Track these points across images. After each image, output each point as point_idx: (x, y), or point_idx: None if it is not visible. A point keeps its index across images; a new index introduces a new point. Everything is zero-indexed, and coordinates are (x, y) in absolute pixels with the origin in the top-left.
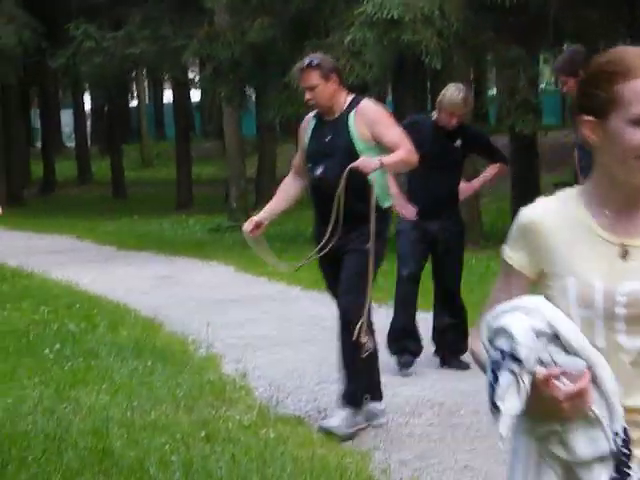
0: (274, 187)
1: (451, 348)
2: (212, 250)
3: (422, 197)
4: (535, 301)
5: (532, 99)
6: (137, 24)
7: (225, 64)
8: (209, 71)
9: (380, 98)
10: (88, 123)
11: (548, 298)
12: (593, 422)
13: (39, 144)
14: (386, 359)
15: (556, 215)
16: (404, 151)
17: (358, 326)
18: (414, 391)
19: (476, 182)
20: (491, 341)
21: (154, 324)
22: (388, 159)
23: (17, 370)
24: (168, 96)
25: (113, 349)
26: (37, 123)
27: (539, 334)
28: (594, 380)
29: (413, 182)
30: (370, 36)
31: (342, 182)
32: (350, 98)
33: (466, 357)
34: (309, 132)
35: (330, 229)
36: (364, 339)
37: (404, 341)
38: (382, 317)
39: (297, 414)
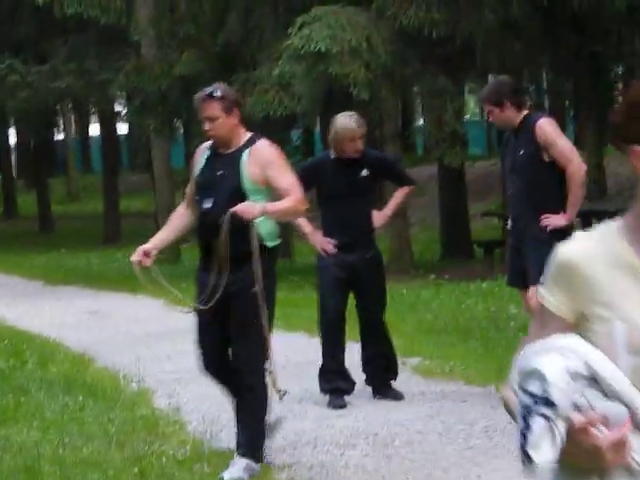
0: None
1: (380, 378)
2: (139, 283)
3: (337, 231)
4: (570, 340)
5: (459, 130)
6: (62, 58)
7: (153, 97)
8: (137, 104)
9: (308, 130)
10: (13, 157)
11: (591, 344)
12: (635, 473)
13: None
14: (314, 387)
15: (596, 252)
16: (292, 200)
17: (268, 374)
18: (348, 422)
19: (388, 210)
20: (522, 385)
21: (84, 359)
22: (272, 207)
23: None
24: (94, 129)
25: (43, 385)
26: None
27: (575, 376)
28: (637, 426)
29: (326, 217)
30: (298, 69)
31: (224, 227)
32: (248, 135)
33: (397, 385)
34: (202, 162)
35: (214, 280)
36: (277, 386)
37: (335, 381)
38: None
39: (232, 448)
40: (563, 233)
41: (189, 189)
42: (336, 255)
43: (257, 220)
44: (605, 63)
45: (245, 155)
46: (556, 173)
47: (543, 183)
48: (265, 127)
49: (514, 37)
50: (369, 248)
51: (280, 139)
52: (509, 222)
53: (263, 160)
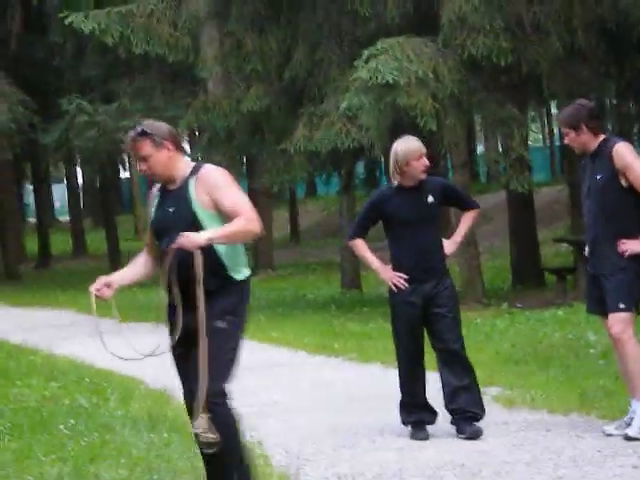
0: (271, 252)
1: (464, 413)
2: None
3: (408, 261)
4: None
5: (526, 156)
6: (129, 96)
7: (221, 133)
8: (205, 140)
9: (373, 162)
10: (81, 195)
11: None
12: None
13: (30, 219)
14: (395, 418)
15: None
16: (242, 220)
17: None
18: (432, 453)
19: (457, 236)
20: None
21: (164, 395)
22: (218, 232)
23: (33, 447)
24: None
25: (127, 422)
26: (27, 198)
27: None
28: None
29: (396, 248)
30: (366, 101)
31: (196, 263)
32: (192, 165)
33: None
34: (155, 204)
35: (180, 319)
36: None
37: (417, 413)
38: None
39: None
40: None
41: (147, 237)
42: (409, 288)
43: (221, 251)
44: None
45: (191, 185)
46: (634, 198)
47: (620, 208)
48: (332, 160)
49: (580, 63)
50: (442, 277)
51: (347, 172)
52: (586, 248)
53: (209, 185)
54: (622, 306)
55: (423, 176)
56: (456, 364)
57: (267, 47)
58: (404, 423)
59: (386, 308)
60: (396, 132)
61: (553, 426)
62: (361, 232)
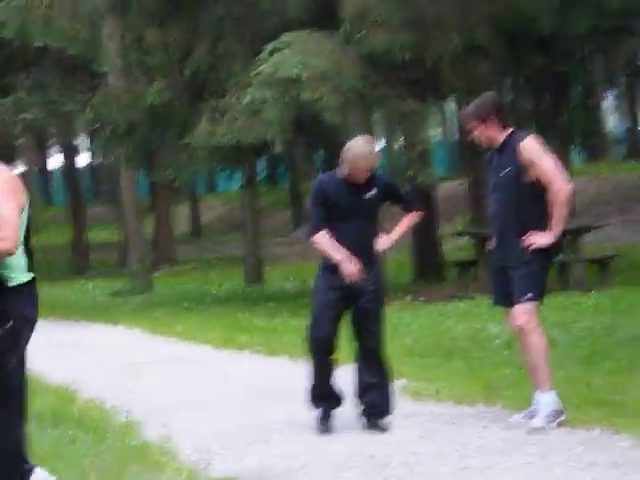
0: (172, 247)
1: (373, 410)
2: (117, 314)
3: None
4: None
5: (429, 150)
6: (26, 90)
7: (122, 127)
8: (107, 135)
9: (273, 159)
10: None
11: None
12: None
13: None
14: (303, 411)
15: None
16: None
17: None
18: (341, 446)
19: (394, 234)
20: None
21: (68, 392)
22: None
23: None
24: (52, 162)
25: (31, 419)
26: None
27: None
28: None
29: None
30: (269, 95)
31: None
32: None
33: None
34: None
35: None
36: None
37: (322, 403)
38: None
39: (226, 475)
40: (546, 252)
41: None
42: (336, 278)
43: None
44: (568, 83)
45: None
46: (540, 192)
47: (527, 202)
48: (235, 155)
49: (479, 59)
50: (372, 271)
51: (250, 167)
52: (492, 241)
53: None
54: (527, 297)
55: (361, 182)
56: (371, 361)
57: (168, 41)
58: (314, 406)
59: (291, 303)
60: (299, 127)
61: (459, 417)
62: (320, 225)
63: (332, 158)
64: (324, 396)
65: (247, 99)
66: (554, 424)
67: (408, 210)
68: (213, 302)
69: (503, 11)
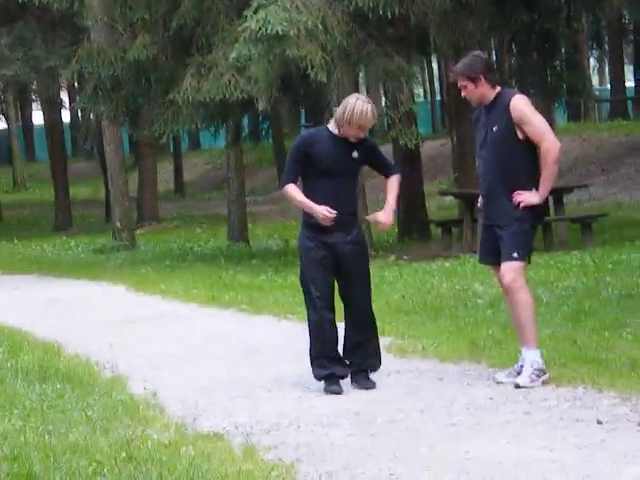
0: (156, 205)
1: (360, 366)
2: (100, 270)
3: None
4: None
5: (414, 110)
6: (8, 45)
7: (106, 82)
8: (90, 90)
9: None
10: None
11: None
12: None
13: None
14: (296, 370)
15: None
16: None
17: None
18: (328, 402)
19: (390, 205)
20: None
21: (54, 347)
22: None
23: None
24: (36, 118)
25: (17, 374)
26: None
27: None
28: None
29: (311, 196)
30: (255, 52)
31: None
32: None
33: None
34: None
35: None
36: None
37: (330, 367)
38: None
39: (215, 430)
40: (536, 210)
41: None
42: (319, 237)
43: None
44: (554, 41)
45: None
46: (530, 150)
47: (516, 160)
48: (220, 112)
49: (466, 17)
50: (353, 231)
51: (235, 124)
52: (479, 200)
53: None
54: (515, 255)
55: (352, 140)
56: (360, 318)
57: None
58: (316, 377)
59: (275, 260)
60: (285, 84)
61: (445, 374)
62: (294, 178)
63: (316, 116)
64: (329, 359)
65: (233, 55)
66: (539, 382)
67: (388, 175)
68: (197, 260)
69: None
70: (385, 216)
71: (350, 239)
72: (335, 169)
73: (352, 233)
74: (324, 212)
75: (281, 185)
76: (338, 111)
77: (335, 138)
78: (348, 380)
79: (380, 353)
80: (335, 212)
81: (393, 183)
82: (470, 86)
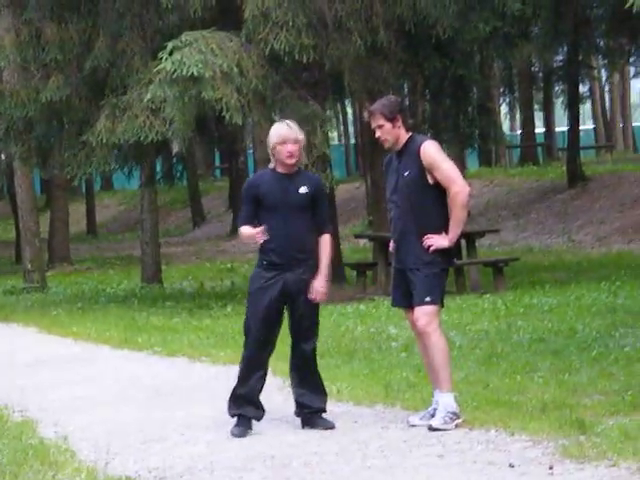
0: (67, 246)
1: (311, 408)
2: (10, 312)
3: (274, 249)
4: None
5: (328, 154)
6: None
7: (19, 123)
8: (2, 131)
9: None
10: None
11: None
12: None
13: None
14: (209, 413)
15: None
16: None
17: None
18: (242, 446)
19: (322, 271)
20: None
21: None
22: None
23: None
24: None
25: None
26: None
27: None
28: None
29: (268, 234)
30: (170, 93)
31: None
32: None
33: (284, 406)
34: None
35: None
36: None
37: (244, 407)
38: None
39: (127, 475)
40: (446, 254)
41: None
42: (271, 275)
43: None
44: (466, 86)
45: None
46: (440, 195)
47: (427, 204)
48: (135, 153)
49: (379, 62)
50: (307, 270)
51: (150, 165)
52: (391, 243)
53: None
54: (428, 299)
55: (288, 161)
56: (305, 364)
57: (67, 36)
58: (230, 415)
59: (189, 302)
60: (200, 125)
61: (359, 417)
62: (246, 222)
63: (231, 158)
64: (246, 401)
65: (148, 97)
66: (452, 425)
67: (321, 231)
68: (110, 302)
69: (404, 13)
70: (317, 283)
71: (304, 280)
72: (283, 205)
73: (306, 273)
74: (255, 232)
75: (238, 229)
76: (269, 143)
77: (279, 175)
78: (260, 423)
79: (325, 393)
80: (263, 228)
81: (326, 244)
82: (387, 126)
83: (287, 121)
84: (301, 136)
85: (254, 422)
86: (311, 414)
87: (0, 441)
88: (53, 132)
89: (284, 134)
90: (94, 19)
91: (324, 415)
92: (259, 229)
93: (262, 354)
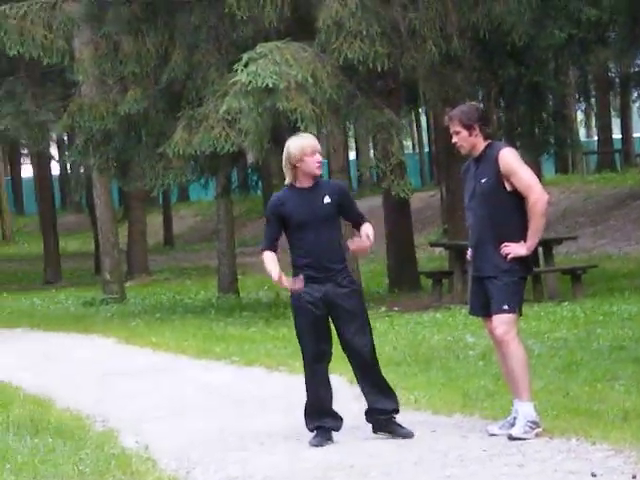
0: (145, 257)
1: (389, 414)
2: (90, 323)
3: (308, 264)
4: None
5: (404, 161)
6: None
7: (97, 136)
8: (81, 143)
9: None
10: None
11: None
12: None
13: None
14: (288, 422)
15: None
16: None
17: None
18: (321, 455)
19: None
20: None
21: (44, 401)
22: None
23: None
24: (24, 171)
25: (9, 428)
26: None
27: None
28: None
29: (294, 249)
30: (245, 104)
31: None
32: None
33: (361, 415)
34: None
35: None
36: None
37: (321, 419)
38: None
39: None
40: (524, 262)
41: None
42: (310, 289)
43: None
44: (542, 94)
45: None
46: (518, 202)
47: (504, 212)
48: (211, 164)
49: (454, 70)
50: (344, 277)
51: (225, 176)
52: (469, 251)
53: None
54: (506, 307)
55: (318, 171)
56: (367, 367)
57: (144, 49)
58: (309, 429)
59: (266, 312)
60: (276, 136)
61: (438, 426)
62: (269, 244)
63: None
64: (321, 412)
65: (223, 108)
66: (532, 434)
67: (359, 225)
68: (187, 312)
69: (479, 21)
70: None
71: (343, 287)
72: (311, 220)
73: (344, 280)
74: (293, 287)
75: (259, 251)
76: (285, 163)
77: (301, 190)
78: (343, 432)
79: (394, 393)
80: (302, 281)
81: (368, 226)
82: (463, 133)
83: (305, 134)
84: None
85: (333, 433)
86: (387, 420)
87: (83, 451)
88: (131, 144)
89: (313, 144)
90: (170, 32)
91: (399, 421)
92: (299, 281)
93: (320, 366)
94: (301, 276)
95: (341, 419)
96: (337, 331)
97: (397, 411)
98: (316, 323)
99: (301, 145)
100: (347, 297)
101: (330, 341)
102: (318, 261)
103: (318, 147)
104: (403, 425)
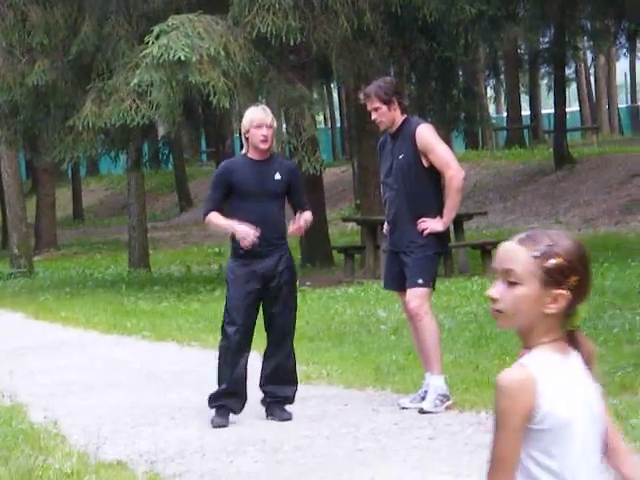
0: (54, 231)
1: (276, 397)
2: None
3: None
4: None
5: (316, 136)
6: None
7: (5, 108)
8: None
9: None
10: None
11: None
12: None
13: None
14: (200, 397)
15: None
16: None
17: None
18: (233, 429)
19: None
20: None
21: None
22: None
23: None
24: None
25: None
26: None
27: None
28: None
29: (235, 219)
30: (157, 77)
31: None
32: None
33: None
34: None
35: None
36: None
37: (224, 399)
38: None
39: (118, 459)
40: (440, 237)
41: None
42: (245, 262)
43: None
44: (453, 70)
45: None
46: (434, 178)
47: (421, 188)
48: (122, 137)
49: (366, 45)
50: (283, 255)
51: (136, 149)
52: (385, 226)
53: None
54: (420, 281)
55: (262, 145)
56: (283, 348)
57: (52, 20)
58: (210, 406)
59: (177, 287)
60: (187, 110)
61: (350, 400)
62: (213, 207)
63: (218, 142)
64: (229, 393)
65: (135, 81)
66: (442, 407)
67: (300, 209)
68: (98, 287)
69: None
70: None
71: (280, 267)
72: (258, 191)
73: (282, 258)
74: (245, 229)
75: (203, 216)
76: (243, 126)
77: (254, 162)
78: (256, 407)
79: (296, 384)
80: (256, 232)
81: (308, 213)
82: (383, 108)
83: (262, 105)
84: (274, 122)
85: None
86: (274, 402)
87: None
88: (39, 116)
89: (260, 117)
90: (80, 3)
91: (286, 408)
92: (254, 232)
93: (247, 341)
94: (256, 232)
95: (244, 402)
96: (264, 306)
97: (290, 401)
98: (251, 296)
99: (250, 117)
100: (284, 274)
101: (256, 318)
102: (261, 234)
103: (266, 121)
104: (286, 410)
